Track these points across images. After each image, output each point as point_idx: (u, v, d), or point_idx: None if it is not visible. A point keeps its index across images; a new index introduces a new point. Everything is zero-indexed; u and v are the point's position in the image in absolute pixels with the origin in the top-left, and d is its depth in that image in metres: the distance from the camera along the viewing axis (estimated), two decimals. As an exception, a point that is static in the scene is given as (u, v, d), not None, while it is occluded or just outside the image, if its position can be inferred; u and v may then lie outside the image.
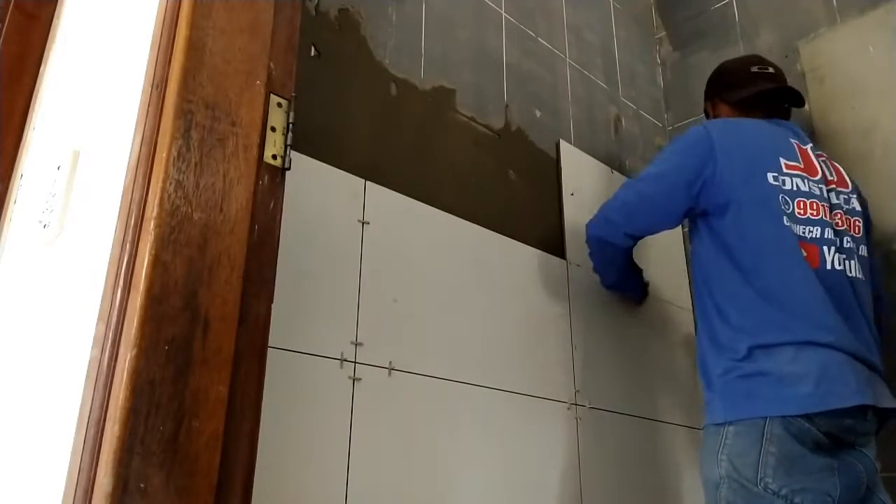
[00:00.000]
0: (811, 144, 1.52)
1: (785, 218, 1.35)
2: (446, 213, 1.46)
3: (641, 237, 1.59)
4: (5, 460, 0.90)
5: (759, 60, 1.65)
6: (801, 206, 1.38)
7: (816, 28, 1.99)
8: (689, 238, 1.55)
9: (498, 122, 1.68)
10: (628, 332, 1.81)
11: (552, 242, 1.70)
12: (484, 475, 1.34)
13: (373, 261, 1.28)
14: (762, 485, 1.18)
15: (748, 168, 1.40)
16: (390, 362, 1.25)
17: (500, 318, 1.49)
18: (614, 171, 1.98)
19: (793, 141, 1.48)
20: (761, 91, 1.58)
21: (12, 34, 1.28)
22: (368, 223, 1.30)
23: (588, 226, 1.62)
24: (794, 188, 1.39)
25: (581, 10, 2.09)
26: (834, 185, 1.47)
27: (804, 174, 1.42)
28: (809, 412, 1.21)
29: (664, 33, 2.41)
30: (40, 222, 0.99)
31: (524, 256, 1.60)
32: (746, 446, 1.22)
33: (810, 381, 1.22)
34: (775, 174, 1.39)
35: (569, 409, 1.56)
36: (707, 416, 1.34)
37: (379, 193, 1.34)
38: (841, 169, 1.53)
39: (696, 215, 1.48)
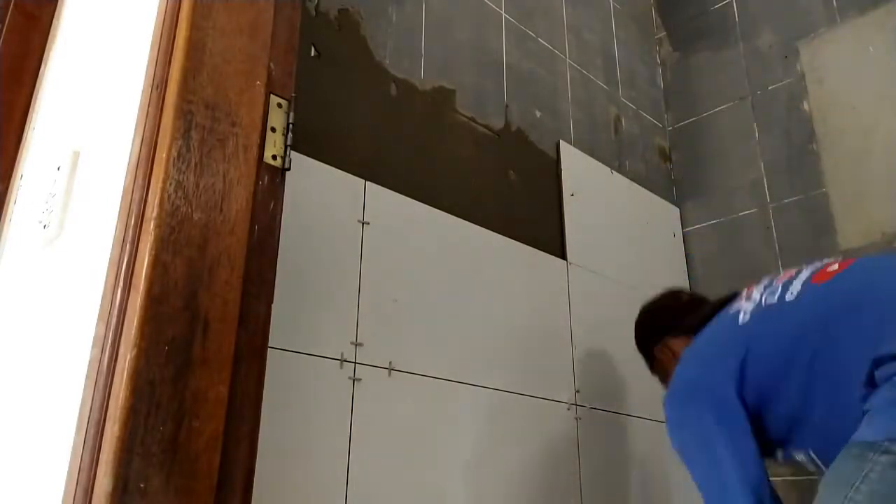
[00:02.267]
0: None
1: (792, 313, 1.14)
2: (446, 214, 1.46)
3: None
4: (5, 460, 0.90)
5: (676, 289, 1.56)
6: (779, 279, 1.24)
7: (816, 28, 1.99)
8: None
9: (498, 123, 1.68)
10: (628, 332, 1.80)
11: (552, 243, 1.70)
12: (484, 475, 1.34)
13: (373, 261, 1.28)
14: None
15: (725, 363, 1.18)
16: (390, 362, 1.25)
17: (500, 319, 1.49)
18: (614, 172, 1.98)
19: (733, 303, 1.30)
20: (715, 305, 1.36)
21: (12, 34, 1.28)
22: (368, 223, 1.30)
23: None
24: (756, 297, 1.23)
25: (581, 11, 2.09)
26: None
27: (752, 292, 1.26)
28: None
29: (664, 33, 2.41)
30: (40, 222, 0.99)
31: (524, 257, 1.60)
32: None
33: None
34: (736, 313, 1.24)
35: (569, 409, 1.56)
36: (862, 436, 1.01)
37: (379, 193, 1.34)
38: None
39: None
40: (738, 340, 1.20)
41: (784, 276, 1.25)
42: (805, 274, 1.21)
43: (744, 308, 1.24)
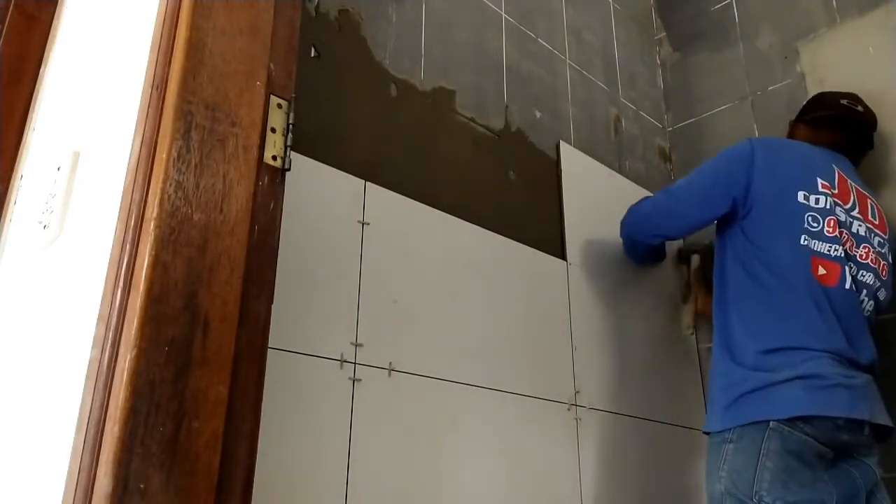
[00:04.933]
0: (858, 181, 1.55)
1: (805, 236, 1.39)
2: (446, 214, 1.46)
3: (671, 238, 1.78)
4: (6, 460, 0.90)
5: (855, 98, 1.67)
6: (831, 225, 1.41)
7: (816, 29, 1.99)
8: (715, 248, 1.58)
9: (498, 123, 1.68)
10: (628, 332, 1.81)
11: (552, 243, 1.70)
12: (484, 476, 1.34)
13: (373, 261, 1.28)
14: (756, 498, 1.24)
15: (781, 184, 1.43)
16: (390, 363, 1.25)
17: (500, 319, 1.49)
18: (614, 172, 1.98)
19: (834, 166, 1.50)
20: (834, 116, 1.62)
21: (12, 35, 1.28)
22: (368, 224, 1.30)
23: (622, 224, 1.76)
24: (827, 206, 1.42)
25: (581, 11, 2.09)
26: (873, 227, 1.50)
27: (835, 198, 1.44)
28: (805, 414, 1.25)
29: (664, 34, 2.41)
30: (40, 223, 0.99)
31: (524, 257, 1.60)
32: (744, 462, 1.27)
33: (808, 387, 1.27)
34: (806, 192, 1.42)
35: (569, 409, 1.56)
36: (708, 426, 1.40)
37: (379, 194, 1.34)
38: (884, 216, 1.57)
39: (720, 227, 1.55)
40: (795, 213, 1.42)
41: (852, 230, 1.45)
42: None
43: (816, 193, 1.43)
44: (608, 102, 2.08)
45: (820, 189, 1.43)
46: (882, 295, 1.48)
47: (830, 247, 1.40)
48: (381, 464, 1.19)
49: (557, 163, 1.80)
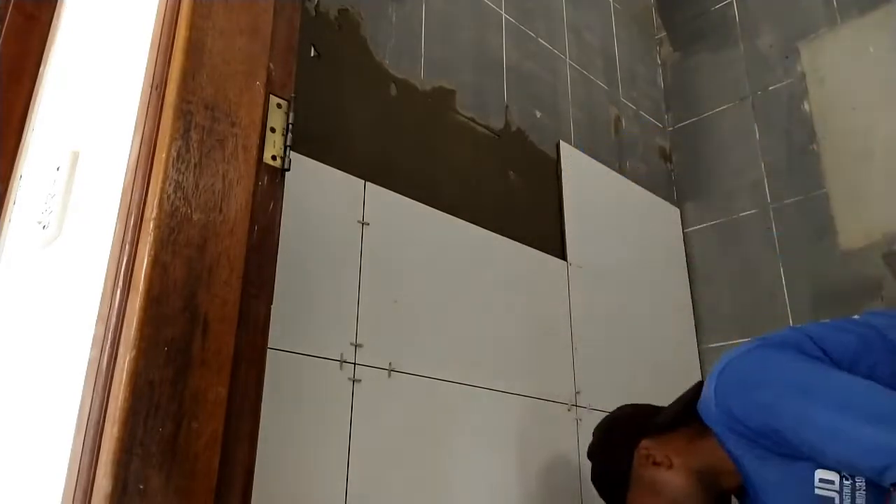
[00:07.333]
0: None
1: None
2: (446, 214, 1.46)
3: None
4: (5, 461, 0.90)
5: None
6: None
7: (817, 29, 1.99)
8: None
9: (498, 123, 1.68)
10: (628, 332, 1.80)
11: (552, 243, 1.70)
12: (484, 477, 1.34)
13: (373, 261, 1.28)
14: None
15: None
16: (390, 363, 1.25)
17: (500, 320, 1.48)
18: (614, 172, 1.98)
19: None
20: (688, 398, 1.22)
21: (12, 35, 1.28)
22: (368, 224, 1.30)
23: None
24: None
25: (581, 11, 2.09)
26: None
27: None
28: None
29: (664, 34, 2.40)
30: (39, 223, 0.99)
31: (524, 257, 1.60)
32: None
33: None
34: None
35: (569, 410, 1.55)
36: None
37: (379, 194, 1.34)
38: None
39: None
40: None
41: None
42: None
43: None
44: (608, 102, 2.08)
45: None
46: None
47: None
48: (381, 464, 1.19)
49: (557, 163, 1.80)
